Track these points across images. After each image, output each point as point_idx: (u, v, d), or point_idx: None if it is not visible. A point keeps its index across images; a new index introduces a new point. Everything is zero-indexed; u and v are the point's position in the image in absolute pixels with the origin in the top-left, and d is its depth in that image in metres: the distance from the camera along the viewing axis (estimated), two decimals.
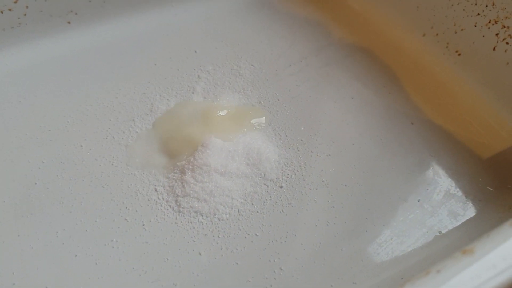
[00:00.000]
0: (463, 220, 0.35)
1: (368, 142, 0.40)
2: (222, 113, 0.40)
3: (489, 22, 0.40)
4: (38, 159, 0.37)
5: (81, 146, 0.38)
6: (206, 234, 0.34)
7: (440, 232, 0.34)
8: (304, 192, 0.36)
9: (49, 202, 0.35)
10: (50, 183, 0.36)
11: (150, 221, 0.34)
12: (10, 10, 0.43)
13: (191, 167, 0.36)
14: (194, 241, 0.33)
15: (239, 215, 0.35)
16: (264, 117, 0.41)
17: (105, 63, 0.45)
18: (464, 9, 0.42)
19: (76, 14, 0.46)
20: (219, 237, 0.34)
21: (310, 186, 0.37)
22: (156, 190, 0.36)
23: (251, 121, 0.40)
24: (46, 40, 0.45)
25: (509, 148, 0.39)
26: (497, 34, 0.40)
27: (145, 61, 0.45)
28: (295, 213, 0.35)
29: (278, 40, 0.49)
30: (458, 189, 0.37)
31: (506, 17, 0.39)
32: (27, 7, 0.43)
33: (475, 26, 0.41)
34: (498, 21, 0.39)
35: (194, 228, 0.34)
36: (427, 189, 0.37)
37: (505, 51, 0.39)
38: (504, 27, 0.39)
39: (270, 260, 0.33)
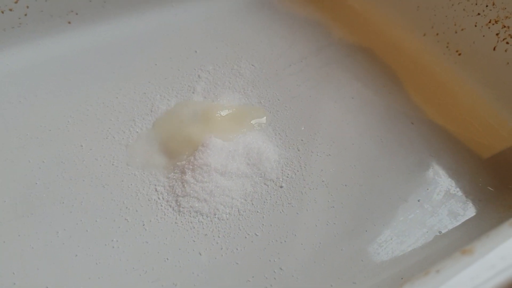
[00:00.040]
0: (463, 220, 0.35)
1: (368, 142, 0.40)
2: (223, 113, 0.40)
3: (489, 22, 0.40)
4: (39, 159, 0.37)
5: (82, 146, 0.38)
6: (206, 234, 0.34)
7: (440, 232, 0.34)
8: (304, 192, 0.36)
9: (49, 202, 0.35)
10: (50, 183, 0.36)
11: (150, 221, 0.34)
12: (10, 10, 0.43)
13: (191, 167, 0.36)
14: (194, 241, 0.33)
15: (239, 215, 0.35)
16: (265, 117, 0.41)
17: (105, 63, 0.45)
18: (464, 9, 0.42)
19: (76, 14, 0.46)
20: (219, 237, 0.34)
21: (310, 186, 0.37)
22: (156, 190, 0.36)
23: (252, 121, 0.40)
24: (46, 40, 0.46)
25: (509, 148, 0.39)
26: (497, 34, 0.40)
27: (146, 61, 0.46)
28: (295, 213, 0.35)
29: (278, 40, 0.49)
30: (458, 189, 0.37)
31: (506, 16, 0.39)
32: (27, 7, 0.43)
33: (476, 26, 0.41)
34: (498, 20, 0.39)
35: (194, 228, 0.34)
36: (427, 189, 0.37)
37: (505, 50, 0.39)
38: (505, 26, 0.39)
39: (270, 260, 0.33)
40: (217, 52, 0.47)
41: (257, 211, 0.35)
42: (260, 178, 0.37)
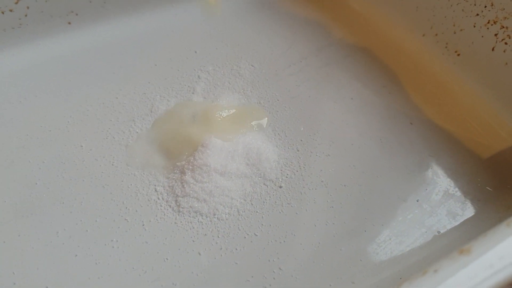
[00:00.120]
0: (462, 220, 0.35)
1: (368, 142, 0.40)
2: (223, 113, 0.40)
3: (488, 23, 0.40)
4: (39, 159, 0.37)
5: (82, 146, 0.38)
6: (205, 234, 0.34)
7: (438, 232, 0.34)
8: (304, 192, 0.36)
9: (49, 202, 0.35)
10: (50, 183, 0.36)
11: (150, 221, 0.34)
12: (11, 10, 0.43)
13: (191, 167, 0.36)
14: (193, 241, 0.33)
15: (239, 215, 0.35)
16: (266, 119, 0.41)
17: (105, 64, 0.45)
18: (463, 10, 0.42)
19: (76, 14, 0.46)
20: (218, 237, 0.34)
21: (309, 186, 0.37)
22: (156, 190, 0.36)
23: (252, 123, 0.40)
24: (46, 41, 0.46)
25: (509, 148, 0.39)
26: (496, 35, 0.40)
27: (145, 61, 0.46)
28: (295, 213, 0.35)
29: (278, 41, 0.49)
30: (457, 189, 0.37)
31: (505, 17, 0.39)
32: (28, 7, 0.43)
33: (474, 26, 0.41)
34: (497, 21, 0.40)
35: (193, 228, 0.34)
36: (426, 189, 0.37)
37: (504, 51, 0.39)
38: (503, 27, 0.39)
39: (269, 260, 0.33)
40: (217, 52, 0.47)
41: (257, 211, 0.35)
42: (259, 178, 0.37)
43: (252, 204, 0.36)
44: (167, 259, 0.32)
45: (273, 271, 0.32)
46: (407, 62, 0.46)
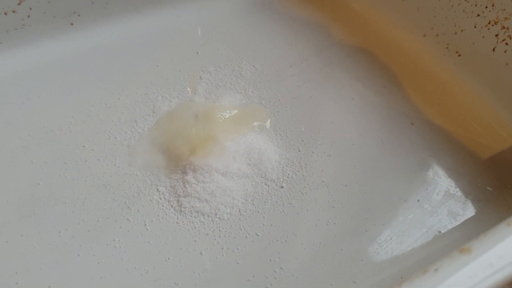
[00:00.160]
0: (463, 220, 0.35)
1: (369, 142, 0.40)
2: (225, 113, 0.40)
3: (489, 23, 0.40)
4: (41, 159, 0.38)
5: (84, 146, 0.39)
6: (207, 234, 0.34)
7: (439, 231, 0.34)
8: (305, 192, 0.37)
9: (52, 202, 0.35)
10: (53, 183, 0.36)
11: (152, 221, 0.34)
12: (13, 11, 0.43)
13: (192, 167, 0.36)
14: (195, 240, 0.34)
15: (240, 215, 0.35)
16: (269, 120, 0.41)
17: (107, 64, 0.45)
18: (464, 10, 0.42)
19: (79, 15, 0.46)
20: (220, 236, 0.34)
21: (310, 186, 0.37)
22: (158, 190, 0.36)
23: (255, 122, 0.41)
24: (49, 42, 0.46)
25: (509, 148, 0.39)
26: (496, 35, 0.40)
27: (147, 62, 0.46)
28: (296, 213, 0.35)
29: (279, 41, 0.49)
30: (457, 189, 0.37)
31: (506, 18, 0.39)
32: (30, 8, 0.44)
33: (475, 27, 0.42)
34: (497, 22, 0.40)
35: (195, 228, 0.34)
36: (427, 189, 0.37)
37: (505, 51, 0.40)
38: (504, 28, 0.39)
39: (270, 260, 0.33)
40: (219, 53, 0.47)
41: (258, 211, 0.35)
42: (261, 179, 0.37)
43: (253, 204, 0.36)
44: (169, 258, 0.33)
45: (275, 271, 0.32)
46: (408, 62, 0.46)
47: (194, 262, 0.32)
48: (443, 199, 0.36)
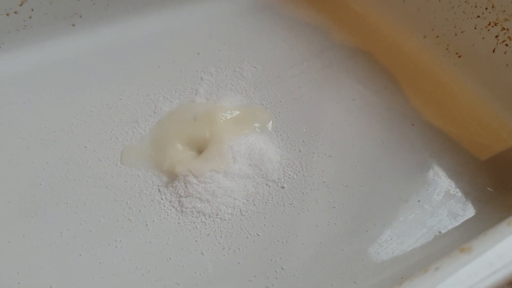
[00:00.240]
0: (463, 220, 0.35)
1: (369, 143, 0.40)
2: (226, 114, 0.41)
3: (489, 24, 0.40)
4: (43, 160, 0.38)
5: (86, 147, 0.39)
6: (208, 234, 0.34)
7: (440, 232, 0.34)
8: (306, 192, 0.37)
9: (53, 203, 0.35)
10: (54, 183, 0.36)
11: (153, 221, 0.35)
12: (15, 12, 0.43)
13: (193, 168, 0.36)
14: (196, 241, 0.34)
15: (241, 215, 0.35)
16: (271, 121, 0.41)
17: (109, 65, 0.45)
18: (464, 12, 0.42)
19: (80, 16, 0.47)
20: (221, 237, 0.34)
21: (311, 187, 0.37)
22: (159, 190, 0.36)
23: (257, 123, 0.41)
24: (51, 43, 0.46)
25: (509, 149, 0.39)
26: (496, 36, 0.40)
27: (149, 63, 0.46)
28: (297, 213, 0.35)
29: (280, 43, 0.49)
30: (458, 190, 0.37)
31: (506, 19, 0.39)
32: (32, 10, 0.44)
33: (475, 28, 0.42)
34: (497, 23, 0.40)
35: (196, 228, 0.34)
36: (427, 190, 0.37)
37: (505, 53, 0.40)
38: (504, 29, 0.39)
39: (271, 260, 0.33)
40: (220, 54, 0.47)
41: (259, 212, 0.35)
42: (262, 179, 0.37)
43: (254, 205, 0.36)
44: (170, 258, 0.33)
45: (276, 271, 0.32)
46: (408, 63, 0.47)
47: (195, 262, 0.33)
48: (443, 199, 0.36)
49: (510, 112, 0.40)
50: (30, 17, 0.44)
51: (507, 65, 0.40)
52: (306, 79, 0.45)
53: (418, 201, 0.36)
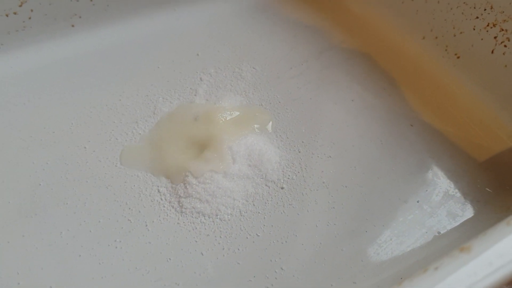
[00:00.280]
0: (462, 220, 0.35)
1: (368, 144, 0.40)
2: (226, 115, 0.41)
3: (488, 25, 0.41)
4: (42, 160, 0.38)
5: (85, 147, 0.39)
6: (208, 235, 0.34)
7: (439, 232, 0.35)
8: (305, 193, 0.37)
9: (53, 203, 0.35)
10: (54, 184, 0.36)
11: (153, 221, 0.35)
12: (15, 13, 0.43)
13: (193, 168, 0.36)
14: (196, 241, 0.34)
15: (241, 215, 0.35)
16: (271, 122, 0.41)
17: (108, 66, 0.45)
18: (463, 13, 0.42)
19: (80, 17, 0.47)
20: (221, 237, 0.34)
21: (311, 187, 0.37)
22: (159, 191, 0.36)
23: (256, 124, 0.41)
24: (50, 43, 0.46)
25: (508, 150, 0.39)
26: (495, 37, 0.40)
27: (148, 64, 0.46)
28: (296, 213, 0.36)
29: (280, 44, 0.49)
30: (457, 190, 0.37)
31: (504, 20, 0.39)
32: (32, 10, 0.44)
33: (474, 29, 0.42)
34: (496, 24, 0.40)
35: (196, 228, 0.34)
36: (427, 190, 0.37)
37: (503, 53, 0.40)
38: (502, 30, 0.40)
39: (271, 260, 0.33)
40: (219, 55, 0.47)
41: (259, 212, 0.35)
42: (261, 180, 0.37)
43: (254, 205, 0.36)
44: (170, 259, 0.33)
45: (275, 271, 0.32)
46: (407, 64, 0.47)
47: (195, 262, 0.33)
48: (442, 200, 0.37)
49: (509, 113, 0.40)
50: (30, 18, 0.44)
51: (505, 66, 0.40)
52: (305, 80, 0.45)
53: (417, 202, 0.36)
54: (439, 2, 0.44)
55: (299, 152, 0.39)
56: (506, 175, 0.38)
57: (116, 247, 0.33)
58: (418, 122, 0.42)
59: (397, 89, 0.45)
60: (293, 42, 0.49)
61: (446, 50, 0.45)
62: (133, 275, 0.32)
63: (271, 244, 0.34)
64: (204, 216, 0.35)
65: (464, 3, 0.42)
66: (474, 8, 0.41)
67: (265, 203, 0.36)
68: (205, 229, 0.34)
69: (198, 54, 0.47)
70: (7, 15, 0.43)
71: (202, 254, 0.33)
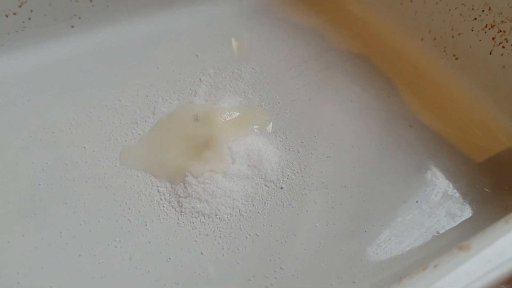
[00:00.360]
0: (461, 220, 0.35)
1: (368, 144, 0.40)
2: (225, 115, 0.41)
3: (486, 27, 0.41)
4: (42, 160, 0.38)
5: (85, 147, 0.39)
6: (208, 234, 0.34)
7: (438, 232, 0.35)
8: (304, 193, 0.37)
9: (53, 203, 0.35)
10: (54, 184, 0.36)
11: (152, 221, 0.35)
12: (14, 14, 0.43)
13: (193, 168, 0.36)
14: (196, 241, 0.34)
15: (240, 215, 0.35)
16: (271, 122, 0.41)
17: (108, 66, 0.45)
18: (461, 14, 0.43)
19: (79, 18, 0.47)
20: (220, 237, 0.34)
21: (310, 187, 0.37)
22: (158, 191, 0.36)
23: (256, 124, 0.41)
24: (50, 44, 0.46)
25: (506, 150, 0.40)
26: (493, 38, 0.40)
27: (148, 64, 0.46)
28: (295, 213, 0.36)
29: (279, 44, 0.49)
30: (455, 191, 0.37)
31: (502, 21, 0.39)
32: (31, 11, 0.44)
33: (472, 30, 0.42)
34: (494, 25, 0.40)
35: (196, 228, 0.34)
36: (425, 191, 0.37)
37: (501, 54, 0.40)
38: (500, 31, 0.40)
39: (270, 260, 0.33)
40: (218, 56, 0.48)
41: (258, 212, 0.36)
42: (261, 180, 0.37)
43: (253, 205, 0.36)
44: (169, 258, 0.33)
45: (275, 271, 0.32)
46: (406, 66, 0.47)
47: (195, 262, 0.33)
48: (441, 200, 0.37)
49: (507, 114, 0.40)
50: (29, 19, 0.44)
51: (503, 67, 0.40)
52: (304, 81, 0.45)
53: (416, 202, 0.37)
54: (438, 3, 0.44)
55: (299, 152, 0.39)
56: (505, 176, 0.38)
57: (116, 247, 0.33)
58: (417, 123, 0.42)
59: (396, 90, 0.45)
60: (292, 43, 0.49)
61: (444, 51, 0.45)
62: (133, 275, 0.32)
63: (270, 244, 0.34)
64: (204, 216, 0.35)
65: (462, 4, 0.42)
66: (472, 9, 0.42)
67: (265, 203, 0.36)
68: (205, 229, 0.34)
69: (197, 55, 0.47)
70: (6, 16, 0.43)
71: (202, 254, 0.33)
